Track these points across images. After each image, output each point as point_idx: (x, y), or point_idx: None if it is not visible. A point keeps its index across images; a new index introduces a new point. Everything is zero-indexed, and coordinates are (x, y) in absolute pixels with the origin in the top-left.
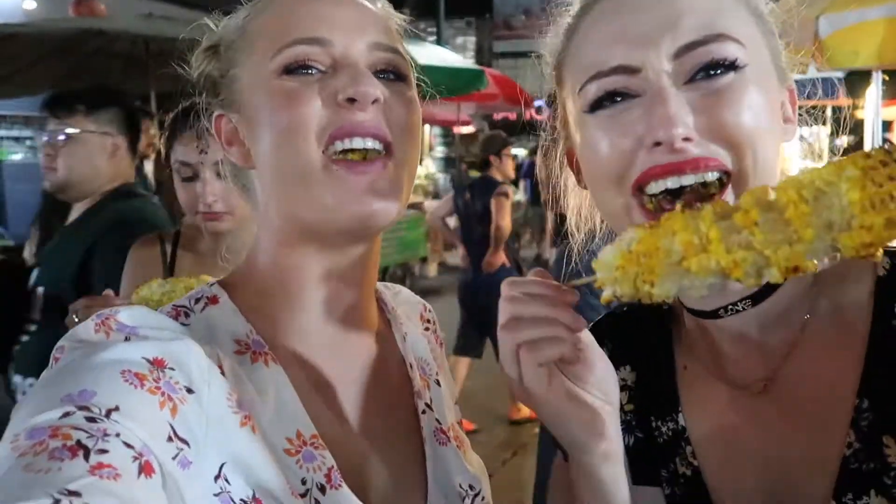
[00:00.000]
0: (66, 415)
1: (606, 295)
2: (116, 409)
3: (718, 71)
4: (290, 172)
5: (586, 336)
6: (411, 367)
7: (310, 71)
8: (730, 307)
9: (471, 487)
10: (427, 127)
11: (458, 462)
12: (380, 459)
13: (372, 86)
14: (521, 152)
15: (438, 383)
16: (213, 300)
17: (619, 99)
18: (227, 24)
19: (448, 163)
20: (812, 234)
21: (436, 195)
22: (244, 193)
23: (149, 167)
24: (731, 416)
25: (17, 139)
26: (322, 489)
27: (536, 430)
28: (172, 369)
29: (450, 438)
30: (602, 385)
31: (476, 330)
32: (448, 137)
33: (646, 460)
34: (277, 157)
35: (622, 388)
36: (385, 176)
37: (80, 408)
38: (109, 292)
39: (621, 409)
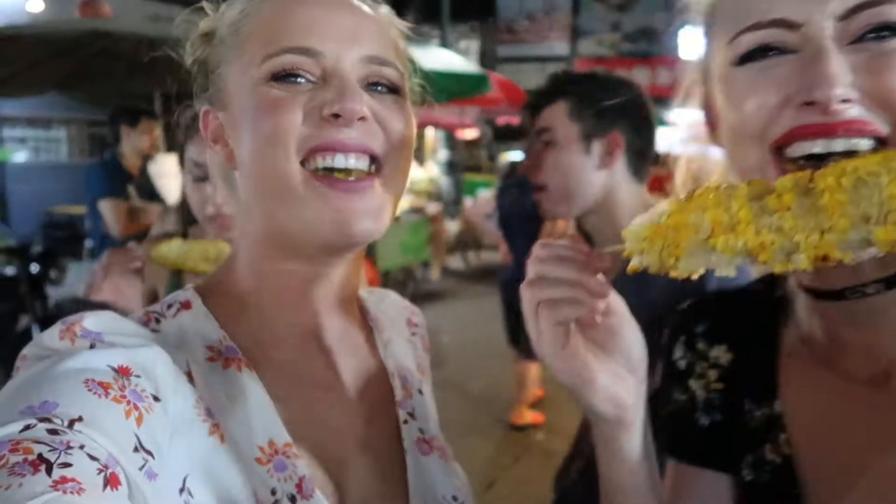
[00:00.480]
0: (27, 428)
1: (633, 264)
2: (80, 419)
3: (890, 33)
4: (269, 183)
5: (616, 304)
6: (392, 375)
7: (298, 80)
8: (858, 289)
9: (454, 499)
10: (431, 130)
11: (442, 473)
12: (359, 469)
13: (358, 102)
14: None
15: (422, 392)
16: (186, 305)
17: (771, 53)
18: (223, 14)
19: (451, 167)
20: (846, 224)
21: (439, 198)
22: (231, 193)
23: (153, 168)
24: (840, 409)
25: (20, 140)
26: (292, 499)
27: (539, 437)
28: (139, 377)
29: (433, 448)
30: (625, 354)
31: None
32: (451, 141)
33: (725, 443)
34: (257, 165)
35: (712, 366)
36: (370, 195)
37: (42, 420)
38: (132, 245)
39: (707, 387)
